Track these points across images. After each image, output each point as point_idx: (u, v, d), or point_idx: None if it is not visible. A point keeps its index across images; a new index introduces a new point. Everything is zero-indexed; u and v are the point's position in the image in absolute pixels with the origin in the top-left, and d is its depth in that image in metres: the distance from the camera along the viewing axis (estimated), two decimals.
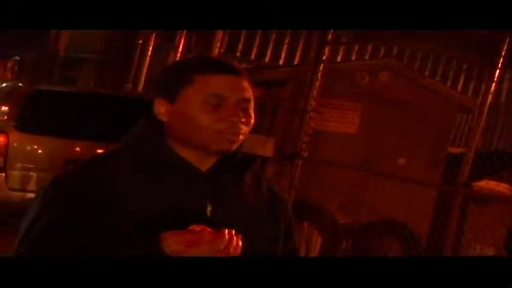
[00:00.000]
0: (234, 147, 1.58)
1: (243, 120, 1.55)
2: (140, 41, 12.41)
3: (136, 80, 11.39)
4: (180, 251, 1.43)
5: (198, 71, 1.57)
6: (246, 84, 1.59)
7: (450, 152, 6.91)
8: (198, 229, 1.45)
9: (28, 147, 6.28)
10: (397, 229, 6.09)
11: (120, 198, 1.54)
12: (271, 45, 14.08)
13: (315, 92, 7.22)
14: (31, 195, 6.22)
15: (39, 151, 6.34)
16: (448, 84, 10.88)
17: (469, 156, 4.54)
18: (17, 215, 6.44)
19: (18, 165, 6.17)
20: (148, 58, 11.60)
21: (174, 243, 1.44)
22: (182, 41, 11.63)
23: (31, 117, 6.31)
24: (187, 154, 1.60)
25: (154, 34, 12.12)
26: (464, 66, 11.72)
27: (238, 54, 13.92)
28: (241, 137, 1.57)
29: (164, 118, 1.60)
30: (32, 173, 6.22)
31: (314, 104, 6.47)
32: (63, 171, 1.67)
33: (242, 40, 14.24)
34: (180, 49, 11.67)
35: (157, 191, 1.57)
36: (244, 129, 1.57)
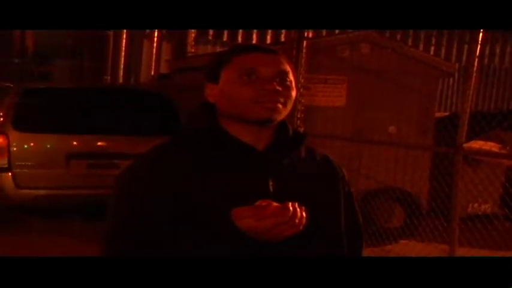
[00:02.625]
0: (276, 116, 1.65)
1: (278, 89, 1.63)
2: (111, 33, 12.33)
3: (115, 71, 11.35)
4: (251, 225, 1.52)
5: (235, 53, 1.69)
6: (281, 59, 1.69)
7: (436, 116, 7.09)
8: (264, 204, 1.55)
9: (29, 146, 6.31)
10: (397, 194, 6.25)
11: (187, 185, 1.60)
12: None
13: (301, 68, 7.35)
14: (39, 191, 6.30)
15: (40, 148, 6.38)
16: (432, 50, 10.97)
17: (464, 118, 4.69)
18: (27, 210, 6.48)
19: (22, 163, 6.22)
20: (123, 48, 11.55)
21: (244, 217, 1.53)
22: (155, 29, 11.61)
23: (27, 116, 6.33)
24: (241, 133, 1.68)
25: None
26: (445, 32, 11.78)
27: (210, 37, 13.96)
28: (280, 105, 1.64)
29: (212, 99, 1.70)
30: (36, 170, 6.27)
31: (302, 80, 6.57)
32: (133, 164, 1.71)
33: None
34: (154, 37, 11.67)
35: (220, 173, 1.63)
36: (283, 98, 1.64)
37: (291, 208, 1.53)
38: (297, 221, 1.53)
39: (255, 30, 14.10)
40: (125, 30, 12.07)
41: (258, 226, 1.52)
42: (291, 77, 1.68)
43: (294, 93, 1.68)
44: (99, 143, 6.58)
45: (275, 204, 1.54)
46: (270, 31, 14.02)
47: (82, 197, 6.40)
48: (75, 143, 6.57)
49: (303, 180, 1.72)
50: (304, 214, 1.56)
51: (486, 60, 11.34)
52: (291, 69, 1.70)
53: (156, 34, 11.32)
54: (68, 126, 6.52)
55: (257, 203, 1.55)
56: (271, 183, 1.66)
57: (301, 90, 6.59)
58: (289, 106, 1.68)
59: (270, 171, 1.66)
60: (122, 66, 11.34)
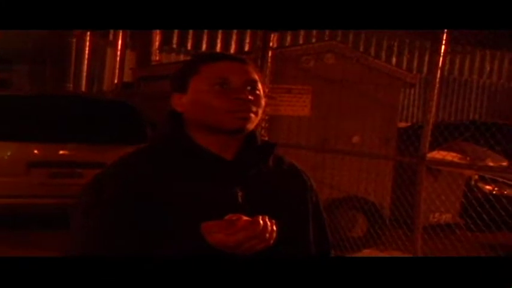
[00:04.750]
0: (249, 125, 1.64)
1: (250, 98, 1.62)
2: (74, 39, 12.20)
3: (77, 79, 11.22)
4: (221, 239, 1.50)
5: (203, 61, 1.67)
6: (250, 68, 1.67)
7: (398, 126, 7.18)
8: (234, 218, 1.52)
9: None
10: (360, 204, 6.30)
11: (154, 195, 1.59)
12: (205, 35, 14.11)
13: (266, 78, 7.37)
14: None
15: (0, 156, 6.27)
16: (394, 61, 11.16)
17: (427, 128, 4.75)
18: None
19: None
20: (86, 56, 11.43)
21: (214, 232, 1.51)
22: (119, 37, 11.53)
23: None
24: (209, 142, 1.66)
25: (88, 32, 11.94)
26: (407, 43, 11.99)
27: (174, 45, 13.93)
28: (252, 115, 1.63)
29: (180, 109, 1.68)
30: None
31: (267, 90, 6.59)
32: (100, 174, 1.69)
33: (176, 31, 14.21)
34: (118, 45, 11.57)
35: (187, 184, 1.62)
36: (254, 107, 1.63)
37: (261, 222, 1.52)
38: (267, 235, 1.52)
39: (219, 39, 14.11)
40: (88, 37, 11.95)
41: (228, 241, 1.51)
42: (260, 85, 1.68)
43: (263, 102, 1.68)
44: (61, 152, 6.49)
45: (245, 218, 1.52)
46: (234, 40, 14.05)
47: (43, 206, 6.29)
48: (36, 151, 6.47)
49: (271, 190, 1.71)
50: (274, 228, 1.54)
51: (446, 72, 11.58)
52: (259, 77, 1.69)
53: (119, 42, 11.23)
54: (29, 134, 6.42)
55: (227, 217, 1.53)
56: (239, 193, 1.65)
57: (266, 99, 6.60)
58: (260, 115, 1.68)
59: (238, 181, 1.65)
60: (84, 74, 11.21)
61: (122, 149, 1.78)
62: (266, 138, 6.57)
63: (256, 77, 1.67)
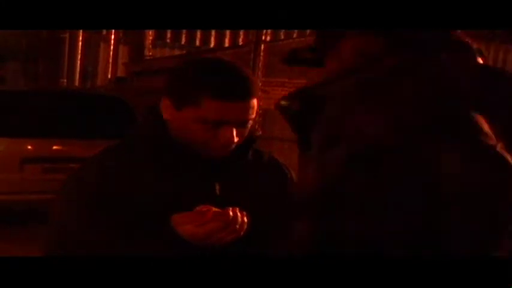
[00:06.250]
0: (225, 154, 1.63)
1: (237, 139, 1.61)
2: (67, 35, 12.18)
3: (71, 74, 11.21)
4: (190, 231, 1.51)
5: (205, 94, 1.59)
6: (250, 106, 1.60)
7: None
8: (204, 209, 1.53)
9: None
10: None
11: (132, 189, 1.58)
12: (199, 30, 14.09)
13: (259, 72, 7.37)
14: None
15: None
16: None
17: None
18: None
19: None
20: (79, 51, 11.42)
21: (183, 223, 1.52)
22: (112, 32, 11.53)
23: None
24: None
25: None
26: None
27: (168, 40, 13.90)
28: (235, 144, 1.62)
29: (166, 117, 1.66)
30: None
31: (260, 84, 6.61)
32: (79, 169, 1.69)
33: None
34: (111, 40, 11.58)
35: (166, 177, 1.61)
36: (239, 142, 1.63)
37: (231, 213, 1.52)
38: (237, 226, 1.52)
39: (213, 34, 14.10)
40: (81, 33, 11.94)
41: (197, 232, 1.52)
42: (254, 118, 1.64)
43: (247, 131, 1.64)
44: (54, 147, 6.48)
45: (214, 209, 1.53)
46: (228, 35, 14.04)
47: (37, 202, 6.29)
48: (29, 147, 6.46)
49: (250, 183, 1.71)
50: (245, 219, 1.55)
51: None
52: (256, 111, 1.63)
53: (113, 37, 11.22)
54: (22, 129, 6.41)
55: (197, 209, 1.53)
56: (217, 186, 1.65)
57: (259, 93, 6.60)
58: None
59: (217, 175, 1.65)
60: (78, 69, 11.20)
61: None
62: (260, 132, 6.57)
63: (252, 115, 1.62)
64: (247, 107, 1.59)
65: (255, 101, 1.61)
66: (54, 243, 1.63)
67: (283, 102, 1.18)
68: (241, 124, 1.61)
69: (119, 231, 1.55)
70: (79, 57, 11.43)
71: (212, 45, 13.88)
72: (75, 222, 1.58)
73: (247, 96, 1.59)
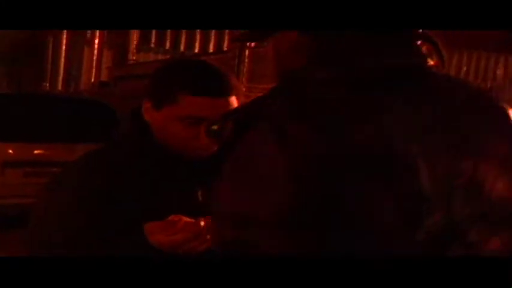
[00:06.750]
0: (208, 154, 1.62)
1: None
2: (51, 38, 12.12)
3: (54, 78, 11.14)
4: (161, 240, 1.51)
5: (184, 90, 1.59)
6: (229, 104, 1.60)
7: None
8: (176, 219, 1.53)
9: None
10: None
11: (113, 194, 1.58)
12: (184, 34, 14.07)
13: (243, 78, 7.38)
14: None
15: None
16: None
17: None
18: None
19: None
20: (63, 55, 11.35)
21: (154, 232, 1.51)
22: (96, 36, 11.48)
23: None
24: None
25: (65, 31, 11.86)
26: None
27: (152, 45, 13.86)
28: (215, 147, 1.60)
29: (147, 118, 1.66)
30: None
31: (244, 89, 6.60)
32: (60, 172, 1.69)
33: (154, 31, 14.14)
34: (95, 44, 11.53)
35: (148, 182, 1.61)
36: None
37: (202, 223, 1.52)
38: (208, 236, 1.51)
39: (197, 39, 14.07)
40: (64, 36, 11.88)
41: (167, 242, 1.51)
42: (237, 103, 1.62)
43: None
44: (36, 151, 6.43)
45: (186, 219, 1.52)
46: (212, 40, 14.02)
47: (18, 206, 6.23)
48: (10, 151, 6.40)
49: None
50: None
51: None
52: (239, 98, 1.62)
53: (97, 41, 11.17)
54: (3, 133, 6.35)
55: (169, 218, 1.53)
56: (199, 192, 1.64)
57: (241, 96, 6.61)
58: None
59: (199, 180, 1.64)
60: (61, 73, 11.13)
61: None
62: None
63: (233, 107, 1.60)
64: (226, 104, 1.58)
65: (234, 99, 1.60)
66: (36, 245, 1.62)
67: (214, 127, 1.13)
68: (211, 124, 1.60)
69: (98, 239, 1.55)
70: (62, 61, 11.36)
71: (197, 50, 13.83)
72: (56, 226, 1.58)
73: (225, 92, 1.59)
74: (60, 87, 10.96)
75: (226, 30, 13.08)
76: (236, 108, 1.19)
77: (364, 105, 0.97)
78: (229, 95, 1.59)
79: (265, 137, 0.96)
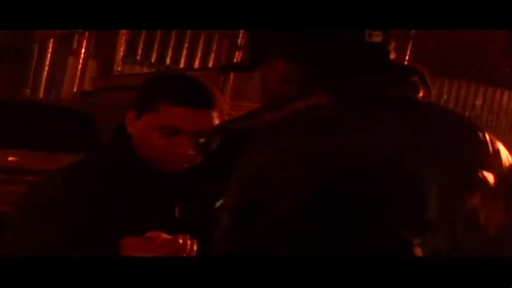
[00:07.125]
0: (186, 167, 1.60)
1: (193, 151, 1.56)
2: (36, 45, 12.04)
3: (36, 85, 11.04)
4: (138, 256, 1.47)
5: (164, 99, 1.57)
6: (210, 117, 1.57)
7: None
8: (154, 235, 1.50)
9: None
10: None
11: (90, 209, 1.56)
12: (170, 48, 14.07)
13: (227, 96, 7.36)
14: None
15: None
16: None
17: None
18: None
19: None
20: (47, 62, 11.27)
21: (131, 248, 1.49)
22: (83, 45, 11.43)
23: None
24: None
25: (52, 38, 11.79)
26: None
27: (138, 57, 13.83)
28: (192, 161, 1.59)
29: (130, 129, 1.63)
30: None
31: (227, 107, 6.57)
32: (37, 184, 1.69)
33: (141, 44, 14.12)
34: (81, 54, 11.46)
35: (125, 197, 1.59)
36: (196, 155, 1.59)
37: (180, 241, 1.50)
38: (184, 255, 1.50)
39: (183, 54, 14.07)
40: (50, 44, 11.80)
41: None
42: (219, 118, 1.60)
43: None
44: (10, 158, 6.34)
45: (164, 236, 1.50)
46: (198, 56, 14.01)
47: None
48: None
49: (211, 204, 1.70)
50: (194, 248, 1.52)
51: None
52: (221, 112, 1.59)
53: (83, 50, 11.11)
54: None
55: (147, 234, 1.51)
56: (177, 207, 1.62)
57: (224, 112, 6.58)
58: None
59: (177, 196, 1.62)
60: (43, 80, 11.04)
61: (74, 158, 1.76)
62: None
63: (215, 122, 1.57)
64: (207, 118, 1.55)
65: (215, 114, 1.56)
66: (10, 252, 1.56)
67: (202, 140, 1.13)
68: (199, 137, 1.53)
69: (71, 252, 1.49)
70: (46, 68, 11.28)
71: (182, 65, 13.83)
72: (29, 236, 1.54)
73: (207, 105, 1.56)
74: (41, 95, 10.86)
75: (213, 49, 13.09)
76: (225, 123, 1.17)
77: (354, 125, 1.01)
78: (212, 108, 1.56)
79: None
